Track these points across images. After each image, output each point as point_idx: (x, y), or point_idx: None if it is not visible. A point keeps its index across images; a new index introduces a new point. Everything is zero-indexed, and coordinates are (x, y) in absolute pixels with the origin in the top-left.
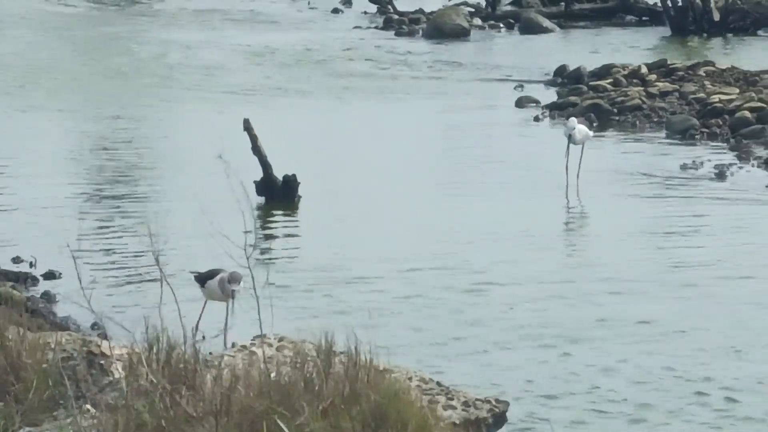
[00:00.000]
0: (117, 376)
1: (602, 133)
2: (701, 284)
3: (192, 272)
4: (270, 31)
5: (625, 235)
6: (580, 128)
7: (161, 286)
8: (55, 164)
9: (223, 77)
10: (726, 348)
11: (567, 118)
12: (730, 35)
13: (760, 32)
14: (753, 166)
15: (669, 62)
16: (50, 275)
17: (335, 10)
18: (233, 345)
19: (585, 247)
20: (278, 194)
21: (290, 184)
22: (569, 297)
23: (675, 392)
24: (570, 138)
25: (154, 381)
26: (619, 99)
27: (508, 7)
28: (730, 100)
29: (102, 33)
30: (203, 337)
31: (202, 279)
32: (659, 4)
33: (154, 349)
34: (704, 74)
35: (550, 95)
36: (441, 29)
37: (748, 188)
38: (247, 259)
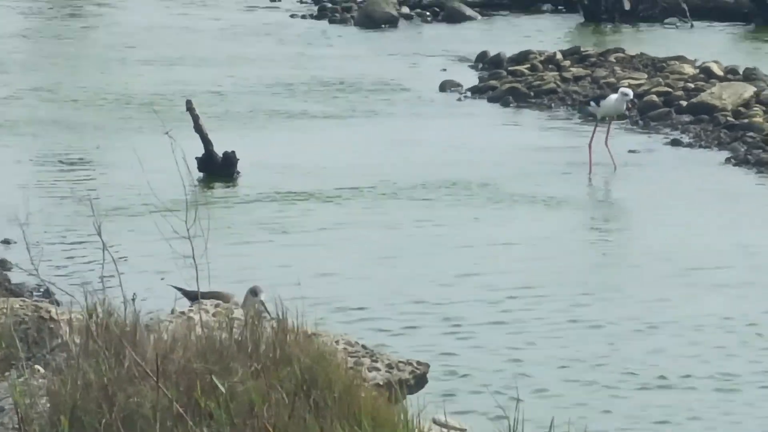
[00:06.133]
0: (65, 339)
1: (519, 115)
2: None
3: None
4: (206, 19)
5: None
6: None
7: (103, 255)
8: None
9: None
10: None
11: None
12: (640, 23)
13: (667, 21)
14: (660, 144)
15: (582, 49)
16: (6, 243)
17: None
18: (173, 311)
19: (500, 205)
20: (218, 169)
21: (230, 159)
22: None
23: (592, 344)
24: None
25: (99, 343)
26: (536, 83)
27: None
28: (639, 85)
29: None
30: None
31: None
32: None
33: (99, 314)
34: (615, 60)
35: (472, 79)
36: (371, 17)
37: (656, 164)
38: (188, 229)
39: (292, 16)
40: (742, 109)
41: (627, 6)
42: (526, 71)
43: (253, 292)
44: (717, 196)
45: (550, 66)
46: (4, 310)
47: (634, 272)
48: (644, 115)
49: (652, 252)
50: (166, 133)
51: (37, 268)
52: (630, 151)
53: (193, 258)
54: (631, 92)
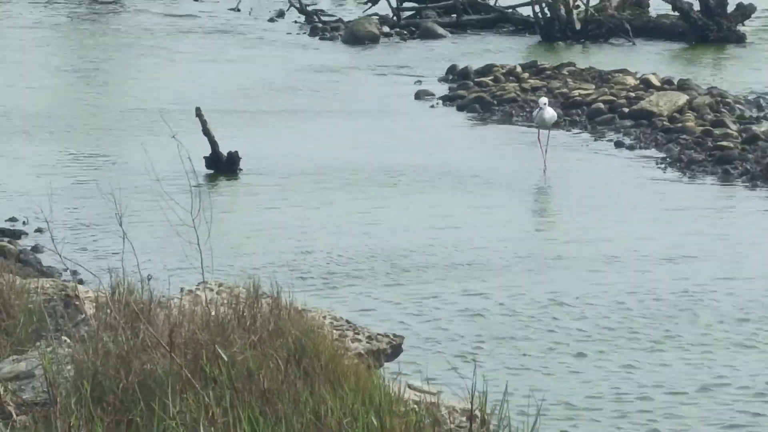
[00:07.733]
0: (88, 313)
1: (483, 119)
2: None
3: None
4: (221, 38)
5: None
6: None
7: (123, 242)
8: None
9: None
10: None
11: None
12: (589, 42)
13: (612, 39)
14: (605, 145)
15: (539, 63)
16: (39, 231)
17: (271, 20)
18: (181, 289)
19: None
20: (223, 167)
21: (233, 158)
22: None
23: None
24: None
25: (117, 318)
26: (499, 93)
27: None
28: (588, 94)
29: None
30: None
31: None
32: (532, 16)
33: (117, 292)
34: (567, 73)
35: (443, 89)
36: (356, 35)
37: (601, 162)
38: (193, 219)
39: (287, 33)
40: (676, 114)
41: (578, 26)
42: (490, 82)
43: None
44: (651, 190)
45: (511, 78)
46: (36, 289)
47: (559, 252)
48: (592, 120)
49: (584, 235)
50: (173, 136)
51: (61, 254)
52: (578, 151)
53: (198, 243)
54: (544, 100)
